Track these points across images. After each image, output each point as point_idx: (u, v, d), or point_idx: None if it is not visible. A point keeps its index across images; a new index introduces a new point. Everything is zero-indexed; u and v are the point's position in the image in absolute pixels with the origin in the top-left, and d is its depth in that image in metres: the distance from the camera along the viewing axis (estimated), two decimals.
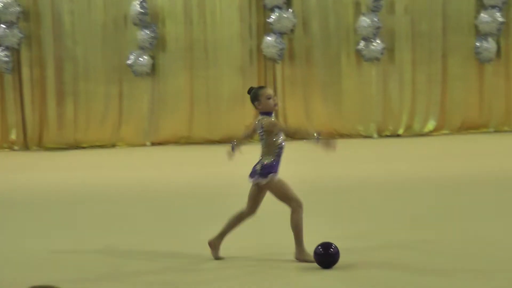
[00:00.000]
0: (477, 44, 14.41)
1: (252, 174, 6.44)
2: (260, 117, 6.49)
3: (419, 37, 14.64)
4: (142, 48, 14.39)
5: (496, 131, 14.56)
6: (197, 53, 14.64)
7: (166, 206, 9.14)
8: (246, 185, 6.50)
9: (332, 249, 6.21)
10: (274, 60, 14.66)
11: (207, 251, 6.56)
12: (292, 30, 14.61)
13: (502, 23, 14.34)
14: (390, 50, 14.66)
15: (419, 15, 14.61)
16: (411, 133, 14.69)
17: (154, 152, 14.09)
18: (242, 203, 6.53)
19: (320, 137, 6.33)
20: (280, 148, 6.45)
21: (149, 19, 14.34)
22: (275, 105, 6.52)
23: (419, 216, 8.05)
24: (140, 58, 14.39)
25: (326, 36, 14.71)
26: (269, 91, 6.55)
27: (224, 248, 6.58)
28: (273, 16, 14.46)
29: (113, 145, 14.63)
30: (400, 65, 14.70)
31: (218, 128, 14.66)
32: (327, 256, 6.21)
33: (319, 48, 14.74)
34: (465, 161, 11.64)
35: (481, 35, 14.41)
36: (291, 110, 14.80)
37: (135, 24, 14.31)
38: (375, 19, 14.33)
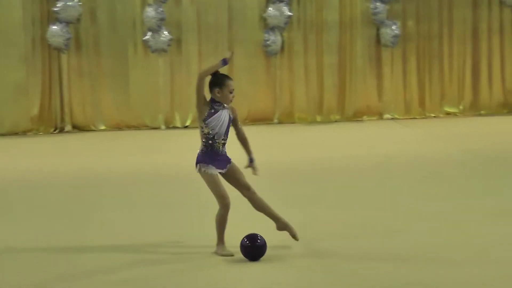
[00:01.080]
0: (265, 37, 14.73)
1: None
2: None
3: (205, 29, 14.77)
4: None
5: (280, 123, 14.94)
6: None
7: None
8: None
9: (259, 241, 6.26)
10: (59, 50, 14.31)
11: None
12: (78, 20, 14.31)
13: (289, 16, 14.72)
14: (177, 42, 14.70)
15: (204, 7, 14.73)
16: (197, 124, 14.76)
17: None
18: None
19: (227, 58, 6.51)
20: (207, 139, 6.45)
21: None
22: (231, 100, 6.55)
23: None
24: None
25: (113, 26, 14.53)
26: (233, 84, 6.58)
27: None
28: (59, 5, 14.10)
29: None
30: (187, 56, 14.77)
31: (3, 119, 14.23)
32: (254, 248, 6.23)
33: (106, 38, 14.54)
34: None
35: (269, 28, 14.76)
36: (77, 102, 14.51)
37: None
38: (160, 10, 14.32)
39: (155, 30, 14.38)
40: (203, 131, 6.46)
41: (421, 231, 7.14)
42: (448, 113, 15.38)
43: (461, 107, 15.38)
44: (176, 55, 14.75)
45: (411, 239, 6.84)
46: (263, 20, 14.85)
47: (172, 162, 11.12)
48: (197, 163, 6.46)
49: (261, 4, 14.85)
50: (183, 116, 14.80)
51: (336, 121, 14.98)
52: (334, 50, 15.04)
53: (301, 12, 14.99)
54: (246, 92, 14.36)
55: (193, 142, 13.05)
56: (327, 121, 14.96)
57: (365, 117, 15.14)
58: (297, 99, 15.03)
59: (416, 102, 15.33)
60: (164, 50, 14.53)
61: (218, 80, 6.49)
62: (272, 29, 14.77)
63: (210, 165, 6.42)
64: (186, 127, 14.71)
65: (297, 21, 14.99)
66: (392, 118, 15.13)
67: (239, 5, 14.85)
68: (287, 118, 15.04)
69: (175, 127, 14.71)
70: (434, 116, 15.23)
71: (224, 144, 6.51)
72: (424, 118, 15.16)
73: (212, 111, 6.45)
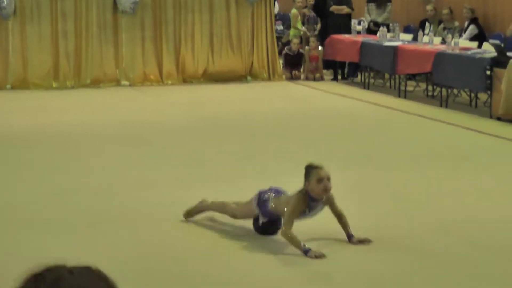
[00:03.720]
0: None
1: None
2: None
3: None
4: None
5: (13, 89, 14.47)
6: None
7: None
8: None
9: None
10: None
11: None
12: None
13: None
14: None
15: None
16: None
17: None
18: None
19: None
20: None
21: None
22: (326, 190, 5.65)
23: None
24: None
25: None
26: (322, 172, 5.64)
27: None
28: None
29: None
30: None
31: None
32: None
33: None
34: None
35: None
36: None
37: None
38: None
39: None
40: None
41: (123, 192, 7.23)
42: (185, 81, 15.59)
43: (199, 77, 15.64)
44: None
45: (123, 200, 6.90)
46: None
47: None
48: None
49: None
50: None
51: (72, 88, 14.74)
52: (69, 17, 14.75)
53: None
54: None
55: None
56: (63, 87, 14.69)
57: (102, 84, 15.01)
58: (31, 66, 14.62)
59: (154, 70, 15.41)
60: None
61: (304, 173, 5.72)
62: None
63: None
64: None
65: None
66: (129, 85, 15.12)
67: None
68: (22, 85, 14.58)
69: None
70: (171, 84, 15.40)
71: None
72: (161, 85, 15.28)
73: (307, 209, 5.74)
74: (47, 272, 1.68)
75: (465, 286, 5.24)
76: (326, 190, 5.64)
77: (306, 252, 5.57)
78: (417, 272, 5.43)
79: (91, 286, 1.66)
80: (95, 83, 14.95)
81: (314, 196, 5.67)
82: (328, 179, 5.65)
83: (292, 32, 17.13)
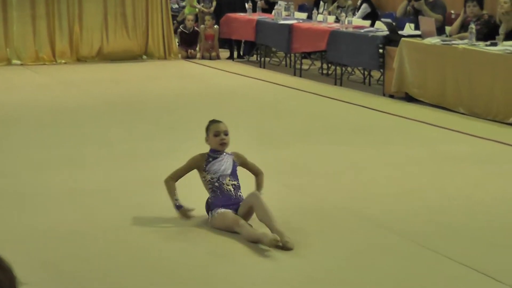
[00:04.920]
0: None
1: None
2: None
3: None
4: None
5: None
6: None
7: None
8: None
9: None
10: None
11: None
12: None
13: None
14: None
15: None
16: None
17: None
18: None
19: None
20: (212, 184, 5.87)
21: None
22: (222, 144, 5.91)
23: None
24: None
25: None
26: (219, 126, 5.93)
27: None
28: None
29: None
30: None
31: None
32: None
33: None
34: None
35: None
36: None
37: None
38: None
39: None
40: (205, 180, 5.91)
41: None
42: (79, 60, 15.33)
43: (94, 56, 15.40)
44: None
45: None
46: None
47: None
48: (208, 211, 5.87)
49: None
50: None
51: None
52: None
53: None
54: None
55: None
56: None
57: None
58: None
59: (47, 48, 15.09)
60: None
61: (206, 127, 6.01)
62: None
63: (222, 208, 5.78)
64: None
65: None
66: (21, 64, 14.77)
67: None
68: None
69: None
70: (65, 63, 15.12)
71: (236, 187, 5.89)
72: (54, 64, 14.99)
73: (210, 159, 5.93)
74: None
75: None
76: (222, 144, 5.94)
77: (177, 207, 5.85)
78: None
79: None
80: None
81: (213, 148, 5.96)
82: (226, 133, 5.94)
83: (187, 10, 17.05)
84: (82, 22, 15.33)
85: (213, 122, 6.01)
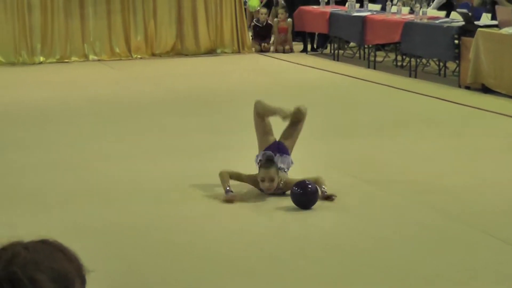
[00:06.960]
0: None
1: None
2: None
3: None
4: None
5: None
6: None
7: None
8: None
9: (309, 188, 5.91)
10: None
11: None
12: None
13: None
14: None
15: None
16: None
17: None
18: None
19: None
20: None
21: None
22: (266, 190, 6.12)
23: None
24: None
25: None
26: (267, 173, 6.05)
27: None
28: None
29: None
30: None
31: None
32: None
33: None
34: None
35: None
36: None
37: None
38: None
39: None
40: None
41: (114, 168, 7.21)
42: (153, 55, 15.49)
43: (168, 50, 15.54)
44: None
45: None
46: None
47: None
48: None
49: None
50: None
51: (41, 63, 14.59)
52: None
53: None
54: None
55: None
56: (31, 62, 14.54)
57: (73, 58, 14.89)
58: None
59: (121, 43, 15.29)
60: None
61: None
62: None
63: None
64: None
65: None
66: (98, 60, 15.00)
67: None
68: None
69: None
70: (140, 58, 15.29)
71: None
72: (130, 59, 15.17)
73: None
74: (1, 251, 1.65)
75: (429, 256, 5.29)
76: (266, 190, 6.11)
77: (226, 191, 6.11)
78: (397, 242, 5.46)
79: (47, 259, 1.64)
80: (64, 58, 14.81)
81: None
82: (271, 179, 6.03)
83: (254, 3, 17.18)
84: (157, 17, 15.48)
85: (263, 166, 6.09)
